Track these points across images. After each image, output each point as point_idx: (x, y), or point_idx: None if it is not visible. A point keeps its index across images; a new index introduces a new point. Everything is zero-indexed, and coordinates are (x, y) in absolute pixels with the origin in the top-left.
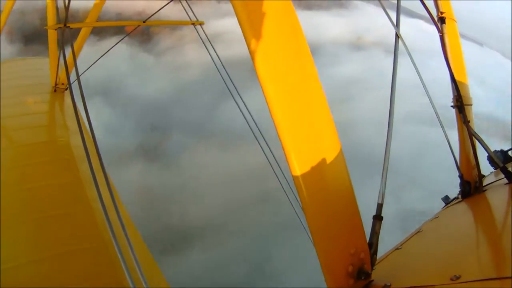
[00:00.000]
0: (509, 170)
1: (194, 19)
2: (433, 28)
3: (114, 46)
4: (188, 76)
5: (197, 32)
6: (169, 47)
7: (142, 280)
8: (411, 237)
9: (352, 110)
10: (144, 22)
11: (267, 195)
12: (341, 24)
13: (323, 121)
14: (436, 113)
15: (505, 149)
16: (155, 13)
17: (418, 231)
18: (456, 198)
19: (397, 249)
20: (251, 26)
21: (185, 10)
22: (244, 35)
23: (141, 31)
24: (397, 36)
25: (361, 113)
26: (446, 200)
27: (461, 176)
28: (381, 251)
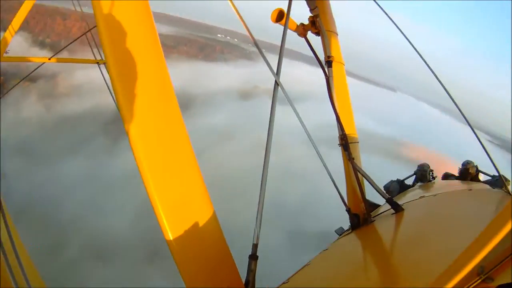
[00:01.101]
0: (394, 201)
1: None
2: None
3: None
4: None
5: (101, 70)
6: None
7: (22, 275)
8: (298, 271)
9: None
10: (49, 59)
11: None
12: (240, 74)
13: (193, 181)
14: (317, 152)
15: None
16: (62, 49)
17: (306, 265)
18: (347, 230)
19: (283, 283)
20: (124, 89)
21: (91, 48)
22: (117, 100)
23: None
24: (277, 83)
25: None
26: (340, 232)
27: (348, 210)
28: None
